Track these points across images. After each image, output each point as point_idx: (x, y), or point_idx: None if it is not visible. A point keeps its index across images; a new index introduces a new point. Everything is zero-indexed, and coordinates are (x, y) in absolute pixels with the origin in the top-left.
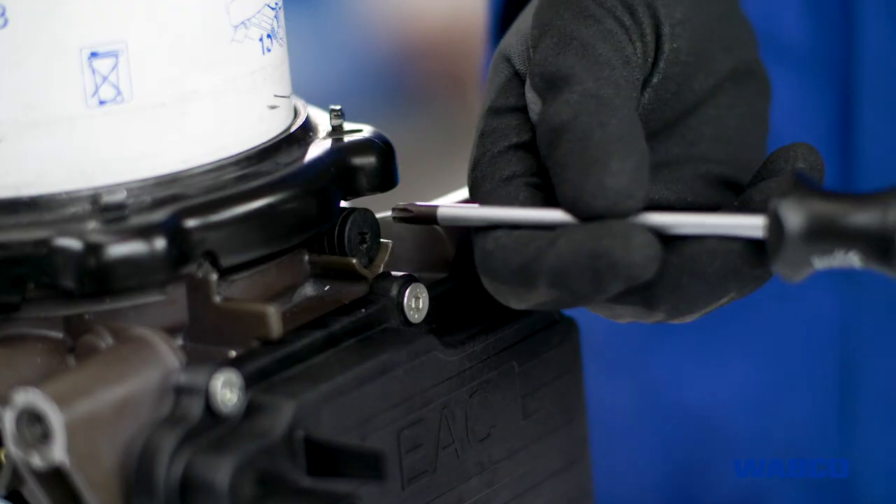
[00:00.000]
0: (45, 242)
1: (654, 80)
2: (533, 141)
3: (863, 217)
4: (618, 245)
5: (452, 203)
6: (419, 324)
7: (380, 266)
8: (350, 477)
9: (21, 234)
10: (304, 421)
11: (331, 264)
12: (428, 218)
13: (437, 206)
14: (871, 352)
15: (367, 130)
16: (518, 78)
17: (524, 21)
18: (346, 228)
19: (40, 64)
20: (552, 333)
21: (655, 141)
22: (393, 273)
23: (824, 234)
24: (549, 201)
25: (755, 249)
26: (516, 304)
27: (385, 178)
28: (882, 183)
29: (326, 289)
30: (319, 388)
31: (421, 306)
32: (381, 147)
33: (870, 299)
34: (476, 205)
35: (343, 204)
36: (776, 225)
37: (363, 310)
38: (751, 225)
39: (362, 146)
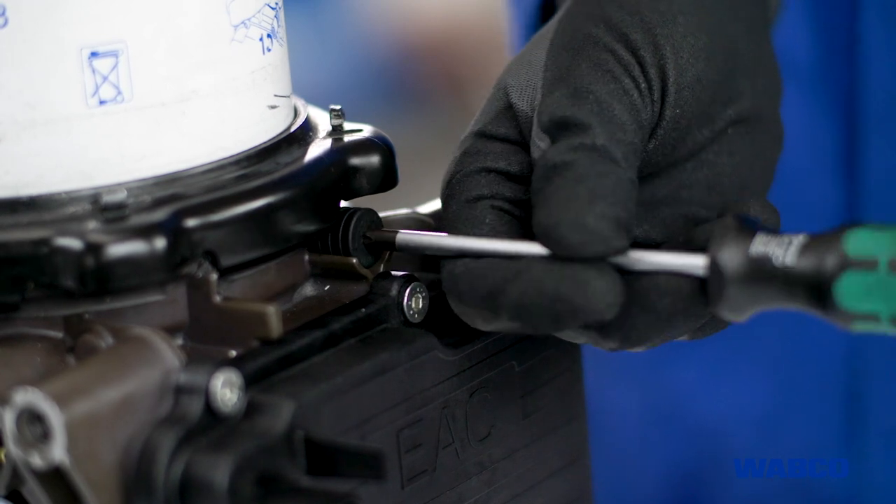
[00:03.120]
0: (45, 242)
1: (651, 145)
2: (510, 170)
3: (801, 262)
4: (580, 292)
5: (412, 231)
6: (419, 323)
7: (380, 266)
8: (349, 476)
9: (21, 233)
10: (304, 420)
11: (331, 264)
12: (387, 244)
13: (395, 233)
14: (877, 371)
15: (367, 130)
16: (511, 111)
17: (531, 54)
18: (351, 228)
19: (40, 64)
20: None
21: (642, 182)
22: (393, 273)
23: (761, 278)
24: (516, 226)
25: (704, 288)
26: (482, 326)
27: (385, 178)
28: (887, 203)
29: (326, 289)
30: (319, 387)
31: (421, 306)
32: (381, 147)
33: None
34: (435, 233)
35: (345, 204)
36: (715, 267)
37: (363, 309)
38: (692, 265)
39: (362, 146)
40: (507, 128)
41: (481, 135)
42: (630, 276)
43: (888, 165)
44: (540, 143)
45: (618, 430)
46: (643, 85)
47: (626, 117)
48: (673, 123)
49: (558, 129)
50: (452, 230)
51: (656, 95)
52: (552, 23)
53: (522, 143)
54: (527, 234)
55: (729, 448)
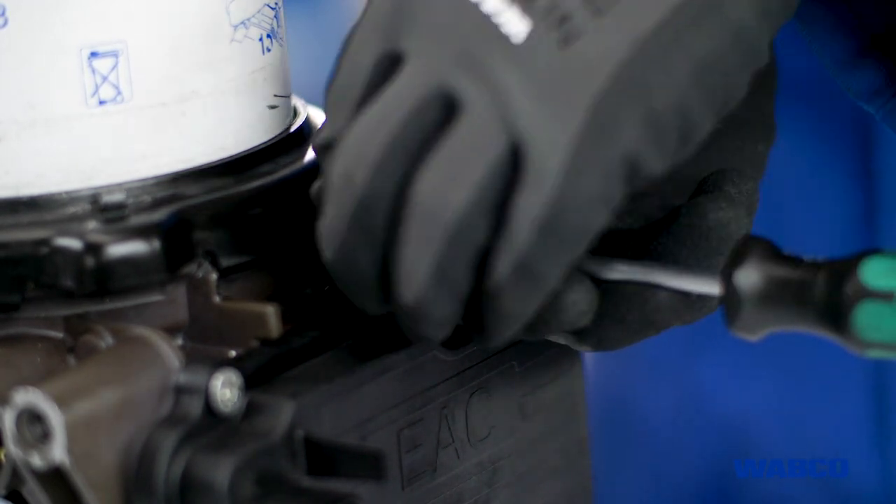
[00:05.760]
0: (45, 242)
1: None
2: None
3: (819, 287)
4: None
5: None
6: None
7: None
8: (350, 477)
9: (21, 234)
10: (304, 421)
11: None
12: None
13: None
14: None
15: None
16: None
17: None
18: None
19: (40, 64)
20: None
21: None
22: None
23: (780, 301)
24: None
25: (675, 303)
26: None
27: None
28: None
29: (326, 288)
30: (319, 387)
31: None
32: None
33: None
34: None
35: None
36: (732, 291)
37: None
38: (707, 292)
39: None
40: None
41: None
42: (604, 286)
43: None
44: None
45: (648, 426)
46: None
47: None
48: None
49: None
50: None
51: None
52: None
53: None
54: None
55: (757, 446)
